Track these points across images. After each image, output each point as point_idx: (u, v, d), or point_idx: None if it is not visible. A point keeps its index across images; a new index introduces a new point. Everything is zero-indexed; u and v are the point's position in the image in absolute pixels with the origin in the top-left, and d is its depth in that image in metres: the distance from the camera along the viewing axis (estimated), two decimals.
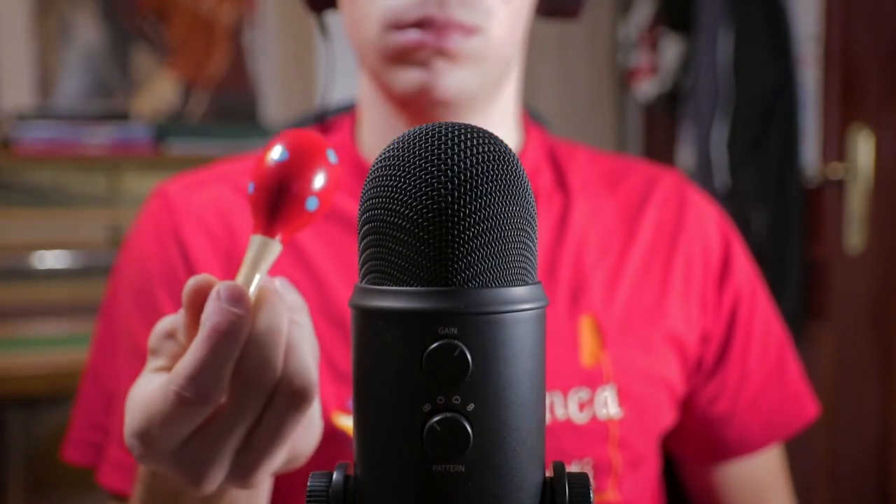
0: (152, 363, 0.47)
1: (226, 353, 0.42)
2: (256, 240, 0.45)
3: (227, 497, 0.52)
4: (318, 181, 0.45)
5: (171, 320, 0.46)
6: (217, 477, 0.45)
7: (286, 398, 0.44)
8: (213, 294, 0.42)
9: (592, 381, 0.73)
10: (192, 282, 0.44)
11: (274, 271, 0.73)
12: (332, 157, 0.45)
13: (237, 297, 0.42)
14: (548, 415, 0.71)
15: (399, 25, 0.67)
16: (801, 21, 2.07)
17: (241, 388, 0.43)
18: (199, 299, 0.43)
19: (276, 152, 0.45)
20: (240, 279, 0.44)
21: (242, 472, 0.45)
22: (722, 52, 2.13)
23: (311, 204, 0.45)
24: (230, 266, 0.73)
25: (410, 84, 0.69)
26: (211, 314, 0.42)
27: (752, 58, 2.07)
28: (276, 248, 0.45)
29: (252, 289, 0.44)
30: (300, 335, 0.45)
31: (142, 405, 0.44)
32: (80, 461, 0.75)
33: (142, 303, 0.74)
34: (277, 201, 0.44)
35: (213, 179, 0.78)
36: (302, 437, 0.49)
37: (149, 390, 0.44)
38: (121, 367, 0.73)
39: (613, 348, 0.74)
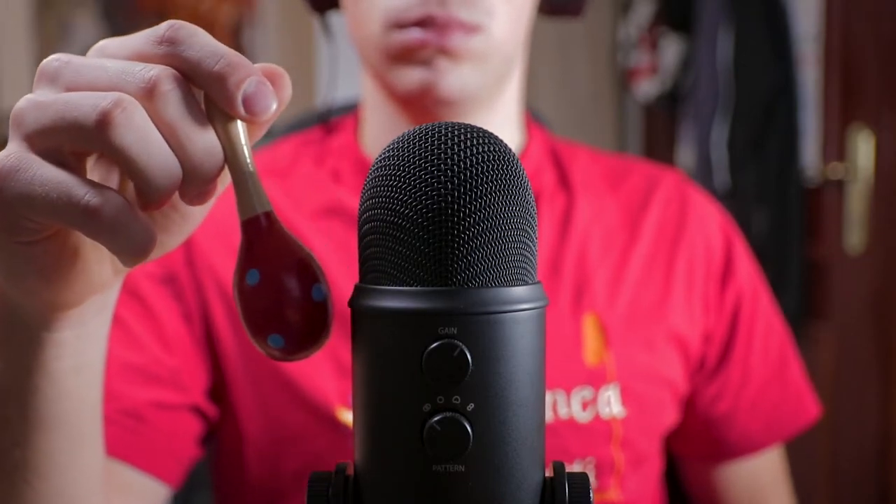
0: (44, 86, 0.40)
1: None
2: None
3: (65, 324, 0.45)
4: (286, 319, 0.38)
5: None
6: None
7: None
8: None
9: (596, 380, 0.73)
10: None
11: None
12: (318, 292, 0.39)
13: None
14: (551, 413, 0.71)
15: (401, 24, 0.68)
16: (801, 21, 2.07)
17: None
18: None
19: (248, 276, 0.39)
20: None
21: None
22: (722, 52, 2.13)
23: (275, 342, 0.39)
24: (233, 256, 0.73)
25: (413, 83, 0.69)
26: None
27: (752, 58, 2.07)
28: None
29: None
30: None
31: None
32: None
33: (129, 290, 0.73)
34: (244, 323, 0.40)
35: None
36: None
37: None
38: (115, 362, 0.72)
39: (617, 347, 0.74)
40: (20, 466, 0.48)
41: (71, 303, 0.43)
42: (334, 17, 0.83)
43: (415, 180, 0.35)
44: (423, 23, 0.67)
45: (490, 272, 0.35)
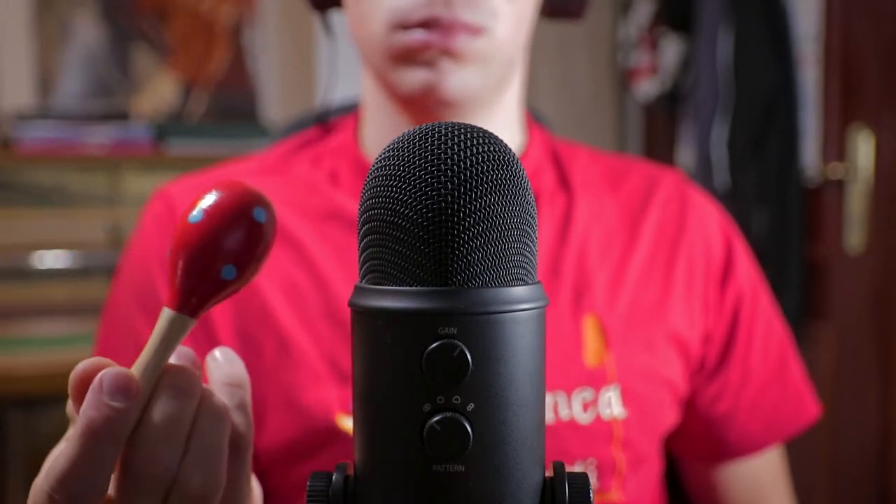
0: (71, 430, 0.42)
1: (101, 454, 0.37)
2: (166, 314, 0.39)
3: None
4: (236, 246, 0.39)
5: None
6: None
7: (181, 500, 0.39)
8: (94, 383, 0.37)
9: (596, 381, 0.73)
10: (78, 367, 0.39)
11: (276, 273, 0.73)
12: (259, 215, 0.39)
13: (119, 388, 0.37)
14: (552, 415, 0.71)
15: (405, 25, 0.67)
16: (801, 21, 2.07)
17: (128, 486, 0.38)
18: (84, 387, 0.38)
19: (193, 211, 0.39)
20: (141, 360, 0.39)
21: None
22: (722, 52, 2.13)
23: (228, 273, 0.39)
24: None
25: (416, 84, 0.69)
26: (87, 408, 0.37)
27: (752, 58, 2.07)
28: (187, 324, 0.40)
29: (147, 370, 0.39)
30: (212, 424, 0.39)
31: (33, 488, 0.40)
32: None
33: (144, 301, 0.74)
34: (189, 271, 0.39)
35: (215, 182, 0.78)
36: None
37: (42, 473, 0.40)
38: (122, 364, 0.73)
39: (617, 348, 0.74)
40: None
41: None
42: (335, 16, 0.83)
43: (415, 180, 0.35)
44: (428, 24, 0.67)
45: (490, 272, 0.35)
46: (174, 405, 0.38)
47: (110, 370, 0.37)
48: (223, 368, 0.43)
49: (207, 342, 0.72)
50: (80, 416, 0.37)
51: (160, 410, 0.38)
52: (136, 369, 0.39)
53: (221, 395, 0.43)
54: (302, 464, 0.70)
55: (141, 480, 0.38)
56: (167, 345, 0.39)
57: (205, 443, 0.39)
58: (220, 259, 0.39)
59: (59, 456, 0.37)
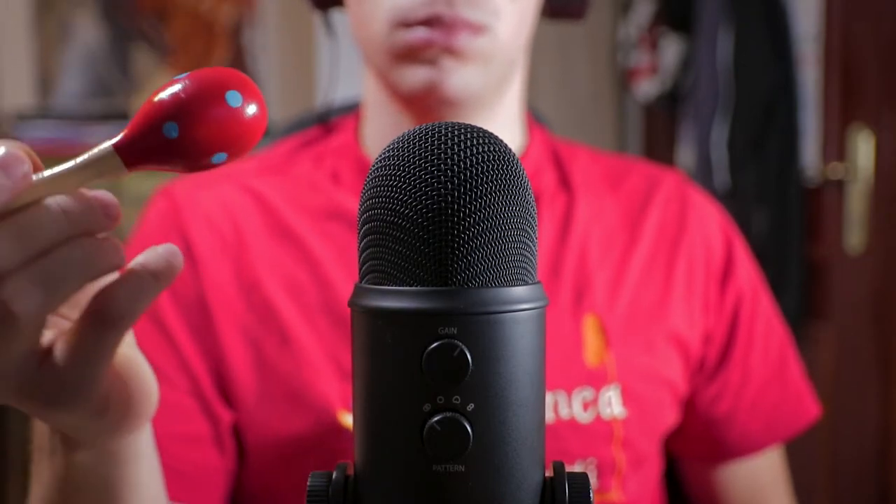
0: None
1: None
2: (107, 147, 0.39)
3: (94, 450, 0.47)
4: (182, 109, 0.37)
5: None
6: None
7: None
8: None
9: (596, 380, 0.73)
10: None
11: (278, 270, 0.73)
12: (233, 99, 0.37)
13: (9, 164, 0.35)
14: (552, 414, 0.71)
15: (407, 23, 0.67)
16: (801, 21, 2.07)
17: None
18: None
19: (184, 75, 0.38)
20: (55, 169, 0.38)
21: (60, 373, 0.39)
22: (722, 52, 2.13)
23: (169, 130, 0.37)
24: (236, 265, 0.73)
25: (417, 82, 0.69)
26: None
27: (752, 58, 2.07)
28: (117, 167, 0.39)
29: (53, 181, 0.38)
30: (80, 258, 0.38)
31: None
32: None
33: (156, 318, 0.73)
34: (141, 119, 0.38)
35: (218, 179, 0.78)
36: (127, 376, 0.43)
37: None
38: None
39: (617, 348, 0.74)
40: None
41: (126, 425, 0.44)
42: (336, 16, 0.83)
43: (415, 180, 0.35)
44: (430, 22, 0.67)
45: (490, 272, 0.35)
46: (48, 215, 0.37)
47: (12, 145, 0.36)
48: (157, 249, 0.41)
49: (209, 336, 0.72)
50: None
51: (33, 210, 0.36)
52: (45, 172, 0.38)
53: (134, 261, 0.40)
54: (304, 459, 0.70)
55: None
56: (85, 169, 0.38)
57: (50, 268, 0.37)
58: (165, 116, 0.37)
59: None
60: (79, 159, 0.38)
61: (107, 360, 0.39)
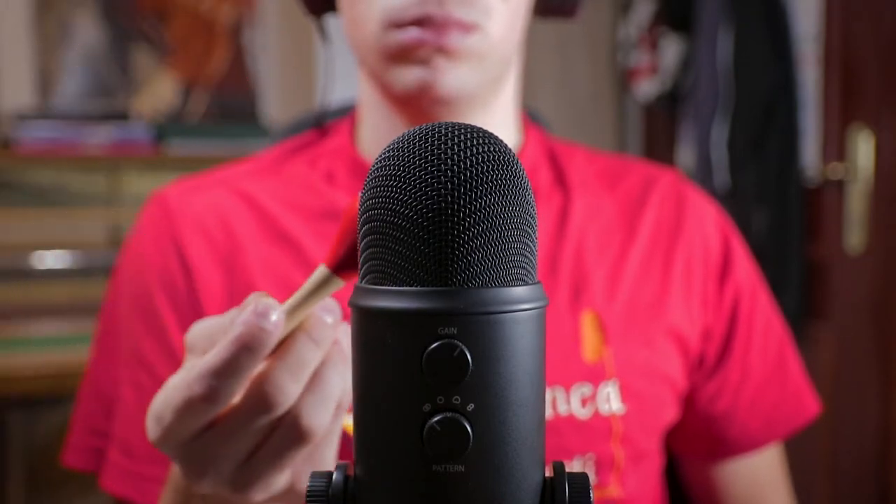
0: (188, 359, 0.48)
1: (242, 363, 0.43)
2: (322, 270, 0.45)
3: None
4: None
5: (214, 321, 0.48)
6: (214, 480, 0.47)
7: (288, 430, 0.45)
8: (248, 303, 0.44)
9: (595, 376, 0.73)
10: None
11: (272, 272, 0.73)
12: None
13: (266, 314, 0.43)
14: (550, 410, 0.72)
15: (399, 24, 0.68)
16: (801, 21, 2.07)
17: (252, 402, 0.45)
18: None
19: None
20: (289, 302, 0.46)
21: (239, 485, 0.47)
22: (722, 52, 2.13)
23: None
24: (229, 270, 0.73)
25: (411, 82, 0.69)
26: (240, 322, 0.43)
27: (752, 58, 2.07)
28: (337, 285, 0.45)
29: (292, 312, 0.45)
30: (330, 378, 0.46)
31: (165, 390, 0.46)
32: (81, 466, 0.76)
33: (141, 308, 0.74)
34: (351, 243, 0.43)
35: (211, 184, 0.79)
36: (306, 475, 0.49)
37: (175, 378, 0.46)
38: (120, 372, 0.73)
39: (615, 344, 0.74)
40: None
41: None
42: (331, 20, 0.83)
43: (415, 180, 0.35)
44: (421, 22, 0.67)
45: (490, 272, 0.35)
46: (306, 347, 0.45)
47: (265, 300, 0.44)
48: (343, 340, 0.48)
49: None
50: (233, 328, 0.44)
51: (293, 349, 0.45)
52: (285, 307, 0.45)
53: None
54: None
55: (263, 400, 0.44)
56: (312, 296, 0.45)
57: (323, 388, 0.46)
58: None
59: (206, 356, 0.44)
60: (303, 289, 0.46)
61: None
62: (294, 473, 0.49)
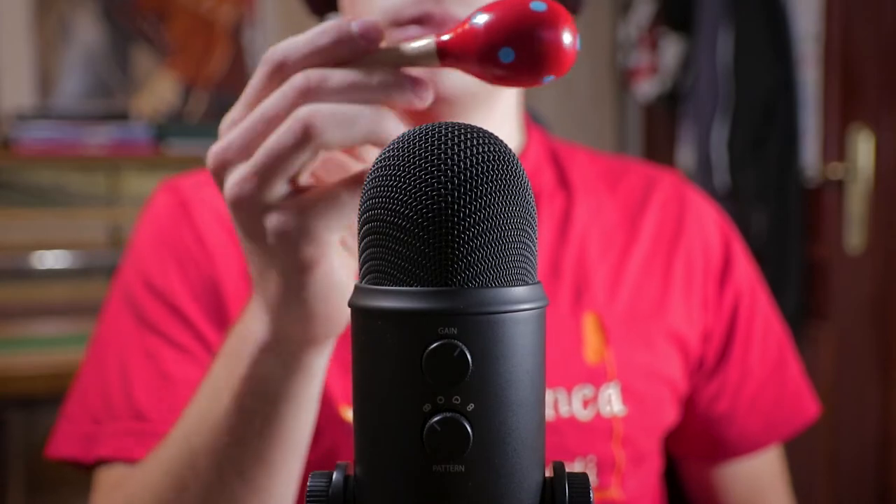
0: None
1: (330, 52, 0.47)
2: (427, 41, 0.46)
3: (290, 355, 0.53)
4: (522, 37, 0.43)
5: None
6: (278, 188, 0.47)
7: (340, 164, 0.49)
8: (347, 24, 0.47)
9: (596, 378, 0.73)
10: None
11: None
12: (566, 36, 0.45)
13: (367, 33, 0.46)
14: (552, 412, 0.72)
15: (398, 22, 0.67)
16: (801, 21, 2.07)
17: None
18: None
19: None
20: (387, 49, 0.47)
21: (296, 204, 0.48)
22: (722, 52, 2.13)
23: (506, 55, 0.43)
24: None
25: None
26: (344, 22, 0.47)
27: (752, 58, 2.07)
28: (430, 54, 0.45)
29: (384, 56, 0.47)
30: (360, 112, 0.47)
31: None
32: (69, 454, 0.72)
33: (152, 283, 0.74)
34: (474, 37, 0.44)
35: None
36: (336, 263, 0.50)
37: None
38: (128, 346, 0.73)
39: (617, 346, 0.74)
40: (257, 487, 0.56)
41: (327, 334, 0.53)
42: (332, 19, 0.83)
43: (415, 180, 0.35)
44: (421, 20, 0.67)
45: (490, 272, 0.35)
46: (374, 79, 0.47)
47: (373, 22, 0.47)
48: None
49: (222, 321, 0.72)
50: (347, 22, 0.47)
51: (367, 72, 0.47)
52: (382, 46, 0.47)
53: None
54: (307, 455, 0.70)
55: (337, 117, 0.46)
56: (405, 54, 0.47)
57: (357, 116, 0.47)
58: (505, 41, 0.43)
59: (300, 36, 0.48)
60: (404, 46, 0.47)
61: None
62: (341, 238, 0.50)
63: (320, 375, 0.56)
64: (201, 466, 0.57)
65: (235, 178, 0.48)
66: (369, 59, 0.47)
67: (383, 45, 0.48)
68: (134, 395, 0.71)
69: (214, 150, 0.49)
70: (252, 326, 0.54)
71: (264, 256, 0.50)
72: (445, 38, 0.45)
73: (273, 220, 0.48)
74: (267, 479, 0.56)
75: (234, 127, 0.49)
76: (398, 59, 0.47)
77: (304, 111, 0.46)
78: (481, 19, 0.43)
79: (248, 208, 0.48)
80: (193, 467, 0.57)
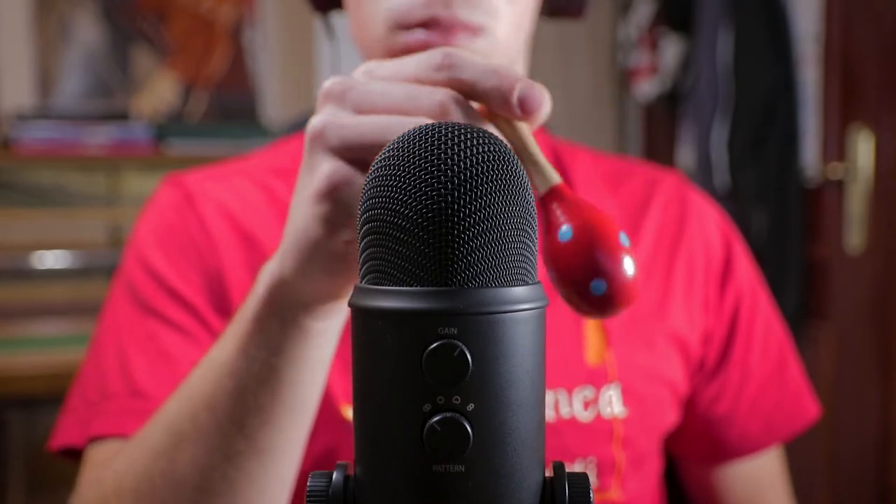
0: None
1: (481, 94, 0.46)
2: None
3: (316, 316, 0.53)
4: (613, 272, 0.44)
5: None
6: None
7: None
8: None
9: (597, 379, 0.73)
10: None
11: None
12: (624, 240, 0.44)
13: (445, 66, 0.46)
14: (552, 413, 0.72)
15: (405, 26, 0.67)
16: (801, 21, 2.07)
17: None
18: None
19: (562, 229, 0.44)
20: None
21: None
22: (722, 52, 2.13)
23: (598, 287, 0.44)
24: (251, 251, 0.73)
25: None
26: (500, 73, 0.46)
27: (752, 58, 2.07)
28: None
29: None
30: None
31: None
32: (66, 441, 0.72)
33: (156, 271, 0.73)
34: (567, 267, 0.44)
35: (229, 174, 0.79)
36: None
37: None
38: (127, 331, 0.72)
39: (618, 347, 0.74)
40: (258, 447, 0.55)
41: (340, 294, 0.51)
42: (336, 17, 0.83)
43: (415, 180, 0.35)
44: (428, 24, 0.67)
45: (490, 272, 0.35)
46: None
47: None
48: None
49: (226, 310, 0.72)
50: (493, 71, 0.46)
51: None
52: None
53: None
54: (307, 451, 0.70)
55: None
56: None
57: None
58: (597, 274, 0.43)
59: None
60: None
61: None
62: None
63: (321, 343, 0.55)
64: (201, 418, 0.55)
65: (342, 120, 0.47)
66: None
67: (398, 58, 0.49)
68: (133, 375, 0.70)
69: (341, 80, 0.49)
70: (268, 267, 0.53)
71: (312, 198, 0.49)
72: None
73: (341, 171, 0.47)
74: (268, 438, 0.55)
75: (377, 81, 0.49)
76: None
77: (444, 94, 0.46)
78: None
79: (332, 150, 0.47)
80: (193, 419, 0.56)
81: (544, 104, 0.45)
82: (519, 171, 0.37)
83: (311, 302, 0.51)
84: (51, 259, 2.30)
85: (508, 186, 0.36)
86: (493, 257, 0.35)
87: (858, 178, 1.92)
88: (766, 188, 2.04)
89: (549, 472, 0.37)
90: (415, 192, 0.35)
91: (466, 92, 0.46)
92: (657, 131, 2.64)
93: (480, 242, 0.35)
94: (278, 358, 0.53)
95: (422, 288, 0.35)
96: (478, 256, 0.35)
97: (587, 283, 0.43)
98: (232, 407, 0.54)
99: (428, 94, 0.45)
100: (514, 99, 0.45)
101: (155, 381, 0.69)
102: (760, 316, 0.83)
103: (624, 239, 0.43)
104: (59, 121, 2.27)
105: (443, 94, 0.45)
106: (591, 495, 0.37)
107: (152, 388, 0.69)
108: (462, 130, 0.37)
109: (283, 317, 0.52)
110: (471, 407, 0.34)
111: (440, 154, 0.36)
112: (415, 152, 0.36)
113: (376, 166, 0.37)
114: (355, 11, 0.72)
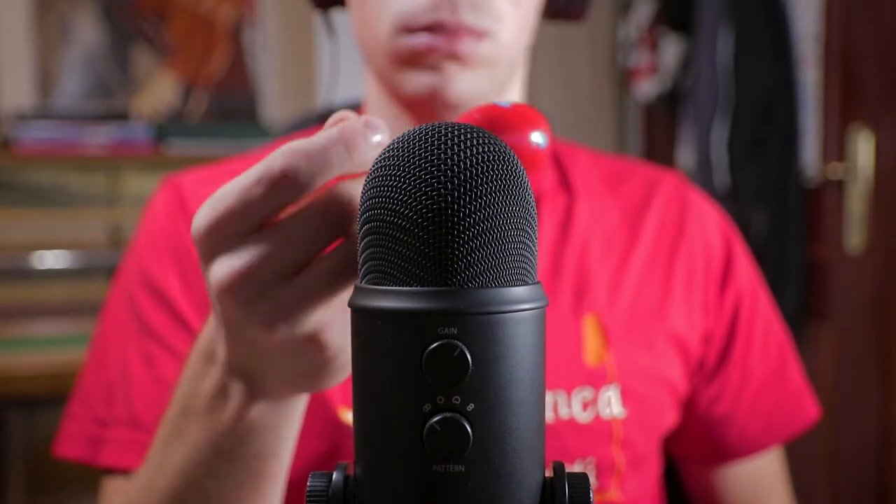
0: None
1: (334, 157, 0.40)
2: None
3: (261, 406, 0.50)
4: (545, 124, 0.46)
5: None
6: (247, 296, 0.42)
7: (340, 259, 0.42)
8: (358, 123, 0.42)
9: (596, 380, 0.73)
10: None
11: None
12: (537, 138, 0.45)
13: (376, 129, 0.41)
14: (552, 414, 0.72)
15: (410, 29, 0.67)
16: (801, 21, 2.07)
17: (324, 201, 0.41)
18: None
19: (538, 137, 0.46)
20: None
21: (272, 307, 0.42)
22: (722, 52, 2.13)
23: (538, 138, 0.46)
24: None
25: (421, 87, 0.69)
26: (350, 122, 0.41)
27: (752, 58, 2.07)
28: None
29: None
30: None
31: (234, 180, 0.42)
32: (76, 455, 0.73)
33: (152, 284, 0.74)
34: (507, 120, 0.45)
35: (227, 174, 0.79)
36: (339, 332, 0.45)
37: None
38: (128, 351, 0.73)
39: (617, 348, 0.74)
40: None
41: (319, 387, 0.48)
42: (337, 15, 0.83)
43: (415, 180, 0.35)
44: (433, 28, 0.67)
45: (490, 272, 0.35)
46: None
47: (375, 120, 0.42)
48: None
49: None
50: (343, 124, 0.41)
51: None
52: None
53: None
54: (301, 454, 0.70)
55: (329, 214, 0.41)
56: None
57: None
58: (539, 125, 0.46)
59: (298, 141, 0.41)
60: None
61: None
62: (325, 321, 0.43)
63: (298, 418, 0.52)
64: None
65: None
66: None
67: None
68: (133, 400, 0.71)
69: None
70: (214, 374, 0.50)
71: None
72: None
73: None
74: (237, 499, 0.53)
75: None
76: None
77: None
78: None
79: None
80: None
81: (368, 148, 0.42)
82: (519, 171, 0.37)
83: (275, 392, 0.49)
84: (51, 259, 2.30)
85: (508, 186, 0.36)
86: (492, 257, 0.35)
87: (858, 178, 1.92)
88: (766, 188, 2.04)
89: (549, 473, 0.37)
90: (414, 192, 0.35)
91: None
92: (657, 131, 2.64)
93: (480, 242, 0.35)
94: (239, 436, 0.50)
95: (422, 288, 0.35)
96: (478, 256, 0.35)
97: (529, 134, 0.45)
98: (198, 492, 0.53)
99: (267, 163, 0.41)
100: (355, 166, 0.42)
101: (152, 410, 0.70)
102: (760, 316, 0.83)
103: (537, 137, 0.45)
104: (59, 121, 2.27)
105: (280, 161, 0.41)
106: (591, 495, 0.37)
107: (150, 418, 0.70)
108: (462, 130, 0.37)
109: (239, 413, 0.49)
110: (471, 407, 0.34)
111: (440, 154, 0.36)
112: (414, 152, 0.36)
113: (376, 166, 0.37)
114: (359, 11, 0.72)
